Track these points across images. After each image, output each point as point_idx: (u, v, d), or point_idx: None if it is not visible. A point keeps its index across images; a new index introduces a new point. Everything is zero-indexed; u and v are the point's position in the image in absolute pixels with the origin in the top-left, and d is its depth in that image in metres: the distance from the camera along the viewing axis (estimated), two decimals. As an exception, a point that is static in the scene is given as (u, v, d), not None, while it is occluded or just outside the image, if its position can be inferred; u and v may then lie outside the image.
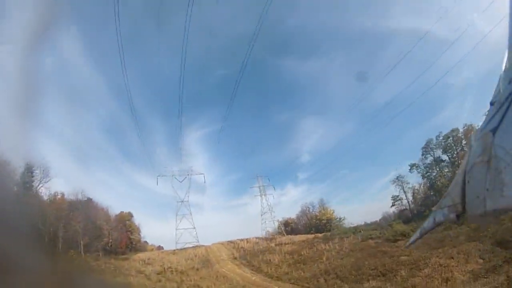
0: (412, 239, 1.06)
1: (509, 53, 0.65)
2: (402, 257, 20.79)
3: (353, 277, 20.26)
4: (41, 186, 38.76)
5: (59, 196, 44.04)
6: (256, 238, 49.80)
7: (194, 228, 62.90)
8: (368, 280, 18.71)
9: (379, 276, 19.08)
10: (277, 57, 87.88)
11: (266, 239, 48.29)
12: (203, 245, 53.75)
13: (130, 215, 59.10)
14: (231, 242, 48.18)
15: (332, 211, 56.41)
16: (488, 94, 0.70)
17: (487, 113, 0.69)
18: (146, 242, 60.47)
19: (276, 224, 63.70)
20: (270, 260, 31.18)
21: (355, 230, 36.89)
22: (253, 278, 26.61)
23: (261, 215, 67.12)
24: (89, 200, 50.04)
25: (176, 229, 61.90)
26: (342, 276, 20.94)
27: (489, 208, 0.58)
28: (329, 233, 40.12)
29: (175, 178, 63.46)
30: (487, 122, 0.66)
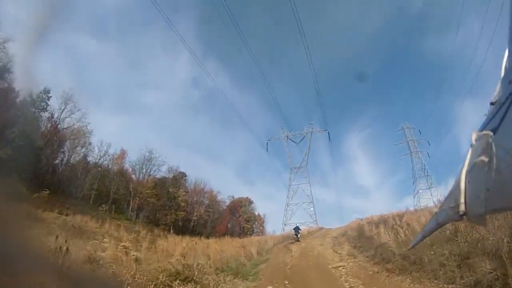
0: (414, 241, 1.04)
1: (509, 53, 0.65)
2: None
3: None
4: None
5: (118, 153, 39.97)
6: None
7: (312, 202, 44.76)
8: None
9: None
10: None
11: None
12: (324, 228, 35.81)
13: (248, 201, 50.70)
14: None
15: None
16: None
17: (487, 113, 0.69)
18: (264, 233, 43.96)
19: (437, 193, 34.85)
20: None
21: None
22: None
23: (414, 180, 45.74)
24: (182, 174, 45.52)
25: (288, 205, 45.08)
26: None
27: (489, 209, 0.57)
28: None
29: (290, 139, 48.76)
30: (487, 122, 0.66)
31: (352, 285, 8.24)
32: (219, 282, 8.65)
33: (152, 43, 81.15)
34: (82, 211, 25.39)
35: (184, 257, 9.44)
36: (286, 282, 8.94)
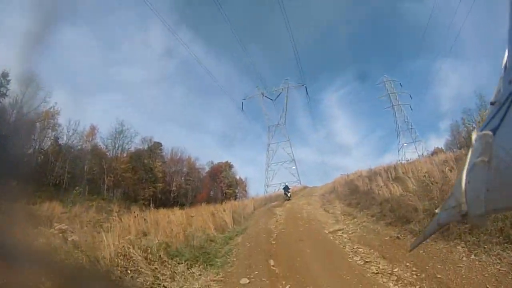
0: (415, 242, 1.08)
1: (509, 53, 0.64)
2: None
3: None
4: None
5: (87, 130, 36.40)
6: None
7: (294, 160, 42.94)
8: None
9: None
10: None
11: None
12: (308, 186, 34.90)
13: (228, 165, 47.99)
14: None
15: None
16: None
17: (487, 113, 0.70)
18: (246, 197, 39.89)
19: (422, 148, 39.62)
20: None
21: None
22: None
23: (397, 134, 44.55)
24: (157, 144, 42.69)
25: (268, 165, 43.09)
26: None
27: (489, 209, 0.59)
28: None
29: (266, 97, 45.91)
30: (487, 122, 0.66)
31: (368, 260, 5.85)
32: (164, 275, 5.56)
33: (123, 20, 76.21)
34: (52, 197, 24.44)
35: (142, 236, 8.01)
36: (272, 264, 6.45)
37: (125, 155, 39.11)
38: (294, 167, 42.15)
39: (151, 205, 30.78)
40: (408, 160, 25.34)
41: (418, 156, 30.54)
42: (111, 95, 72.32)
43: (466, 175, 0.66)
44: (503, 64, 0.66)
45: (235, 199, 38.12)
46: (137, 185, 38.05)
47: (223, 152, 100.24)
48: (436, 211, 0.80)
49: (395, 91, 47.04)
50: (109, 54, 72.73)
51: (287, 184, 26.51)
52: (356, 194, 14.25)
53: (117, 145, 38.62)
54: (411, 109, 46.48)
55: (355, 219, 10.25)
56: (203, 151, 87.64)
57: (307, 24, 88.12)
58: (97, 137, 37.95)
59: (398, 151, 44.46)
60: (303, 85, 44.85)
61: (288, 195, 23.39)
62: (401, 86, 47.27)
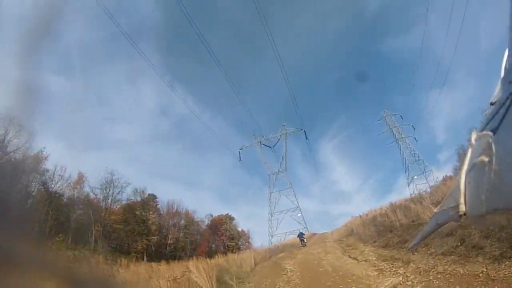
0: (413, 242, 1.03)
1: (509, 53, 0.65)
2: None
3: None
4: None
5: (74, 178, 33.38)
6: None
7: (299, 207, 40.40)
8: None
9: None
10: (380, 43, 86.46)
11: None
12: (316, 233, 33.02)
13: (228, 217, 46.61)
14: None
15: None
16: None
17: (487, 113, 0.69)
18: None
19: (433, 177, 36.82)
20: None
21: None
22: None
23: (405, 168, 42.54)
24: (152, 196, 41.08)
25: (271, 215, 41.09)
26: None
27: (489, 209, 0.58)
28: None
29: (264, 145, 43.64)
30: (487, 122, 0.66)
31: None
32: None
33: (116, 77, 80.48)
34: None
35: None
36: None
37: (118, 207, 37.15)
38: (299, 214, 39.97)
39: (144, 258, 29.36)
40: (421, 192, 23.54)
41: (430, 187, 28.00)
42: (106, 152, 73.27)
43: (466, 175, 0.64)
44: (503, 65, 0.66)
45: (238, 251, 35.47)
46: (129, 238, 35.79)
47: (223, 208, 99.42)
48: (435, 210, 0.76)
49: (396, 125, 45.53)
50: (101, 110, 73.95)
51: (301, 231, 26.25)
52: (390, 232, 11.75)
53: (107, 195, 36.30)
54: (416, 140, 44.93)
55: (411, 264, 7.10)
56: (201, 207, 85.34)
57: (298, 69, 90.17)
58: (85, 186, 35.39)
59: (408, 185, 42.02)
60: (301, 129, 42.67)
61: (305, 241, 23.34)
62: (402, 118, 45.89)
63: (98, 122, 77.72)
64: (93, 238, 31.38)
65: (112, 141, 69.79)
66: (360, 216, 21.08)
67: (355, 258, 10.05)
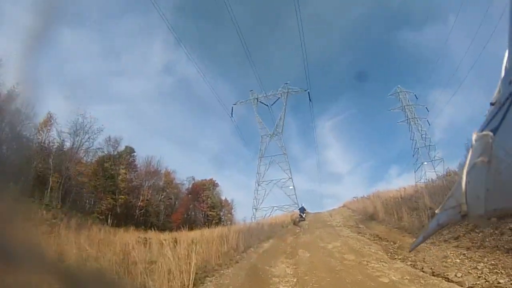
0: (415, 243, 1.05)
1: (509, 53, 0.65)
2: None
3: None
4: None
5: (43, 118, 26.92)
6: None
7: (291, 178, 33.87)
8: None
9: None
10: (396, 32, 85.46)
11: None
12: (309, 212, 25.08)
13: (212, 183, 40.59)
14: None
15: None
16: None
17: (487, 113, 0.70)
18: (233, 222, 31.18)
19: (442, 167, 31.57)
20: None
21: None
22: None
23: (414, 151, 38.20)
24: (129, 149, 35.09)
25: (259, 184, 34.03)
26: None
27: (489, 209, 0.59)
28: None
29: (260, 102, 37.78)
30: (487, 123, 0.66)
31: None
32: None
33: (125, 31, 79.33)
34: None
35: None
36: None
37: (91, 159, 31.61)
38: (291, 187, 33.83)
39: (108, 220, 26.54)
40: (429, 180, 20.56)
41: (437, 177, 24.74)
42: (109, 105, 71.61)
43: (466, 175, 0.65)
44: (503, 65, 0.67)
45: (218, 222, 32.25)
46: (94, 195, 30.41)
47: (209, 174, 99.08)
48: (436, 211, 0.78)
49: (410, 103, 41.15)
50: (106, 63, 73.61)
51: (303, 205, 23.32)
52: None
53: (74, 142, 29.81)
54: (429, 124, 40.59)
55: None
56: (186, 169, 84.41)
57: (314, 48, 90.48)
58: (52, 129, 29.20)
59: (415, 171, 39.10)
60: (306, 90, 36.66)
61: (303, 216, 20.98)
62: (417, 98, 41.63)
63: (102, 75, 76.02)
64: (49, 190, 26.09)
65: (112, 95, 69.96)
66: (366, 197, 17.98)
67: (437, 275, 4.89)
